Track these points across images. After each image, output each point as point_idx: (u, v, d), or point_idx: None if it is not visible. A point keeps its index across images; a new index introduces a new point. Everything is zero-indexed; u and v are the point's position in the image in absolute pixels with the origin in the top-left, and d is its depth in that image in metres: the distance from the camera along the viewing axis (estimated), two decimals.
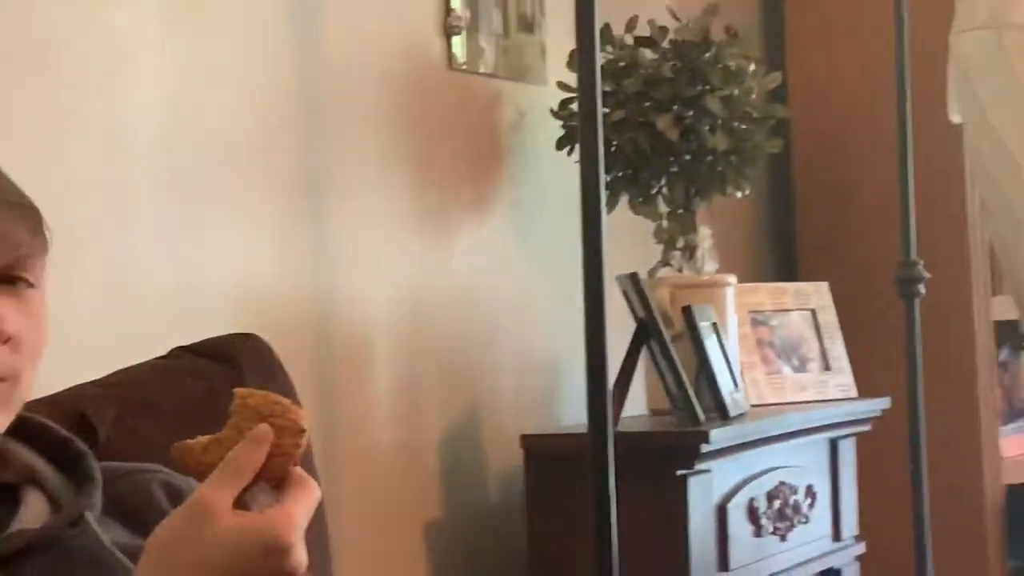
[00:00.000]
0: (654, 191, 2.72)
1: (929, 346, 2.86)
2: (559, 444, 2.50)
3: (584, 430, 2.11)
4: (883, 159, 2.98)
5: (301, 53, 2.31)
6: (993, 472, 3.26)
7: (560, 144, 2.69)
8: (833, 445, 2.84)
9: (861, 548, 2.91)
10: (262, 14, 2.24)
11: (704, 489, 2.43)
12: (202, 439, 1.13)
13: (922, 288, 2.81)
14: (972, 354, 3.25)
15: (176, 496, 1.30)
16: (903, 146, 2.81)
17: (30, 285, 1.24)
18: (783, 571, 2.65)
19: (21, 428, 1.28)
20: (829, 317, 3.00)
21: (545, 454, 2.50)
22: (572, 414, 2.75)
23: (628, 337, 2.49)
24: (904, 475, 2.82)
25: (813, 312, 2.99)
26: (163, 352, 1.80)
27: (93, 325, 1.92)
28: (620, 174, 2.68)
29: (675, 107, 2.65)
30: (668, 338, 2.50)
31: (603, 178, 2.11)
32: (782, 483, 2.65)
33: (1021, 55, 2.61)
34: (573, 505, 2.30)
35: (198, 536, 1.08)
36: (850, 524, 2.87)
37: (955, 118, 2.77)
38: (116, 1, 2.00)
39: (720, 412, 2.52)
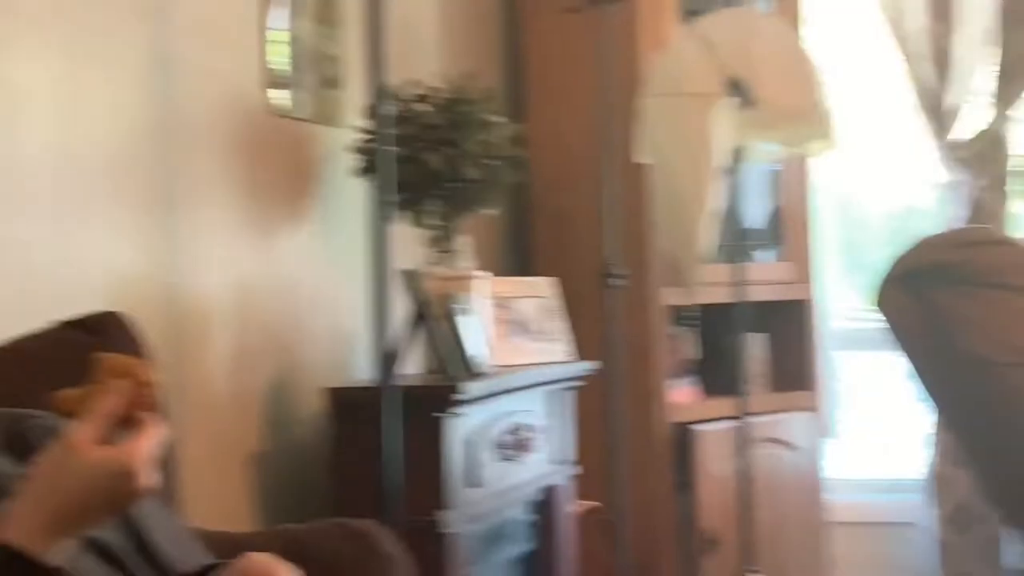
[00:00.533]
0: (427, 209, 2.71)
1: (623, 324, 2.90)
2: (355, 395, 2.48)
3: (373, 384, 2.10)
4: (591, 189, 3.02)
5: (160, 98, 2.25)
6: (664, 413, 3.34)
7: (356, 173, 2.66)
8: (556, 395, 2.87)
9: (574, 469, 2.95)
10: (130, 69, 2.18)
11: (461, 427, 2.43)
12: (74, 390, 1.12)
13: (617, 282, 2.86)
14: (651, 329, 3.32)
15: (55, 435, 1.26)
16: (604, 179, 2.85)
17: None
18: (518, 486, 2.67)
19: None
20: (554, 303, 3.03)
21: (344, 403, 2.47)
22: (364, 372, 2.73)
23: (406, 316, 2.48)
24: (604, 416, 2.87)
25: (543, 299, 3.01)
26: (48, 325, 1.74)
27: None
28: (402, 196, 2.66)
29: (442, 147, 2.65)
30: (435, 317, 2.50)
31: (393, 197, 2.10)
32: (518, 423, 2.67)
33: (686, 115, 2.69)
34: (364, 440, 2.29)
35: (66, 464, 1.07)
36: (568, 452, 2.91)
37: (640, 160, 2.84)
38: (16, 57, 1.93)
39: (472, 371, 2.53)
